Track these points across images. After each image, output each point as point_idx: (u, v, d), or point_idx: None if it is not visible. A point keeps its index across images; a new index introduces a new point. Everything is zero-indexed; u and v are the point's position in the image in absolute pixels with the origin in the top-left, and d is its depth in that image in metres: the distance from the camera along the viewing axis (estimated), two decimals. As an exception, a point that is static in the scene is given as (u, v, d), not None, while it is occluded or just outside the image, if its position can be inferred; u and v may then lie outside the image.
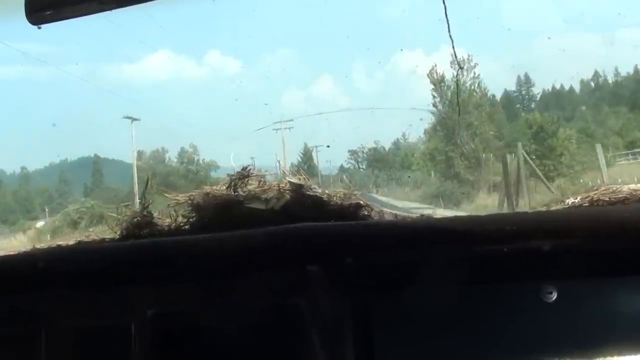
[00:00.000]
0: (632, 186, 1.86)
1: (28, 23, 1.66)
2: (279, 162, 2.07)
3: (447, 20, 2.16)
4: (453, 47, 2.31)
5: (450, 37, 2.26)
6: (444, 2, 2.14)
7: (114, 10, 1.68)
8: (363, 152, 47.01)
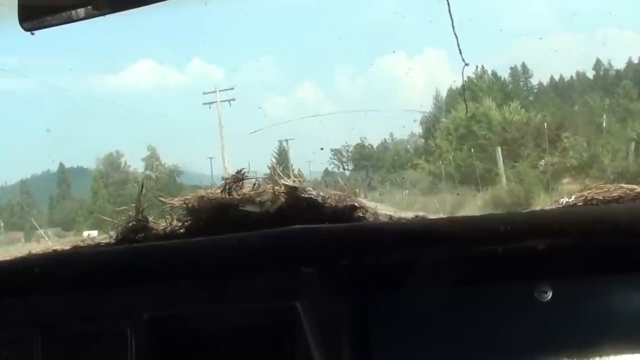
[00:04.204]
0: (626, 185, 1.86)
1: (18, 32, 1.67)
2: (273, 166, 2.07)
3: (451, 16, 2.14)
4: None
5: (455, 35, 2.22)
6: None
7: (99, 19, 1.69)
8: (348, 151, 41.10)
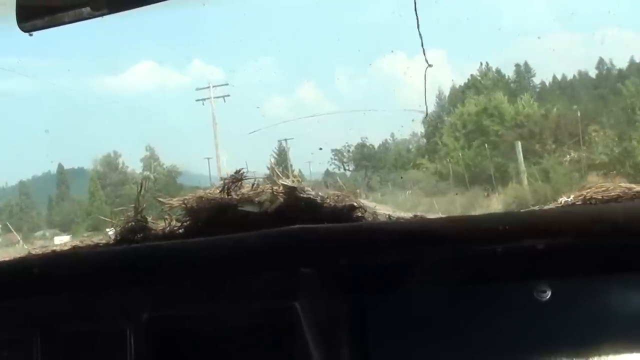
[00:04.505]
0: (625, 184, 1.86)
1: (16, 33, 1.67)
2: (272, 166, 2.07)
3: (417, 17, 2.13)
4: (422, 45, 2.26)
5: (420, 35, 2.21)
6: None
7: (97, 20, 1.69)
8: (349, 151, 37.91)
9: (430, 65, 2.37)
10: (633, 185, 1.83)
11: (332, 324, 1.58)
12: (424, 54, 2.32)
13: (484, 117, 26.15)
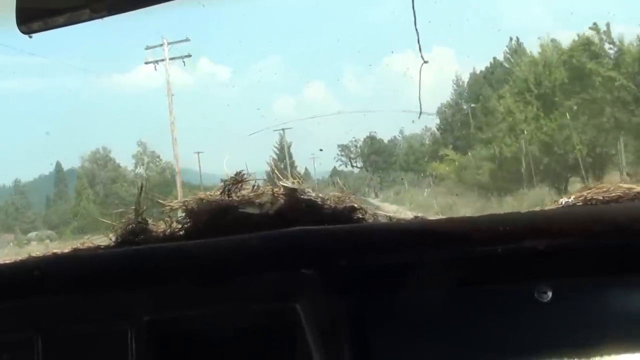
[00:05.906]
0: (626, 184, 1.87)
1: (16, 34, 1.67)
2: (272, 168, 2.07)
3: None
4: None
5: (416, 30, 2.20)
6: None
7: (102, 20, 1.69)
8: (356, 146, 37.22)
9: (426, 62, 2.36)
10: (633, 186, 1.84)
11: (333, 325, 1.58)
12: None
13: (584, 56, 15.92)
